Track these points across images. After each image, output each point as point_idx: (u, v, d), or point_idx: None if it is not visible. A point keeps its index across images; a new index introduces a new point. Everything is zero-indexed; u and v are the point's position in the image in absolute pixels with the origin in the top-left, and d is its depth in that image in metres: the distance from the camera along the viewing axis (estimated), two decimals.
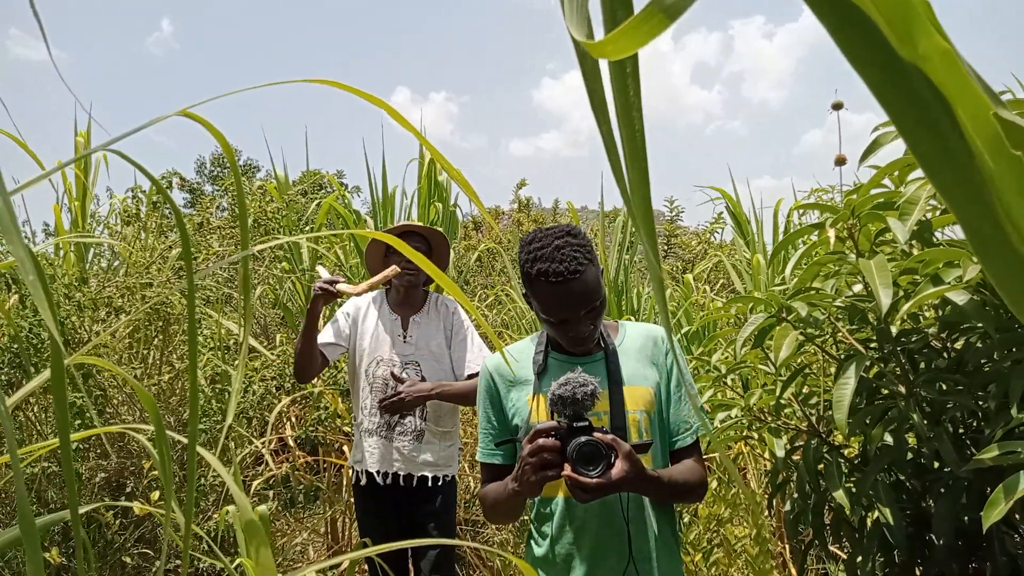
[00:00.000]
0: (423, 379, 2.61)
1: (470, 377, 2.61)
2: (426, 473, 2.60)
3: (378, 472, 2.60)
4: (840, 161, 2.34)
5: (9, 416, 0.36)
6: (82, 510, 0.68)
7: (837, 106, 2.39)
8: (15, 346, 2.88)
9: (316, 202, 5.40)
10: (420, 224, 2.74)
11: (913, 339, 1.61)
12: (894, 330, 1.60)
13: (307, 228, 4.86)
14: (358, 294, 2.51)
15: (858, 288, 1.72)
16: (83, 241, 3.98)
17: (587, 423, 1.33)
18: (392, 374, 2.57)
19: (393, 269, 2.46)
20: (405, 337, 2.66)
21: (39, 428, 3.18)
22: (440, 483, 2.62)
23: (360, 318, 2.72)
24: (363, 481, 2.65)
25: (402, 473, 2.59)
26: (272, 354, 3.81)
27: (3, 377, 2.87)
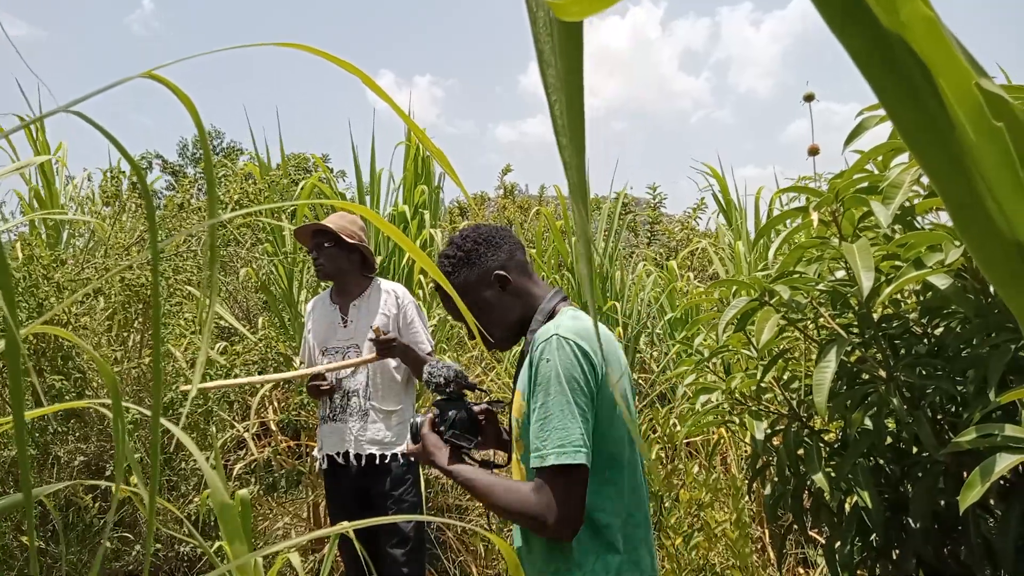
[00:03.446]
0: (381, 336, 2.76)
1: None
2: (373, 451, 2.73)
3: (338, 454, 2.76)
4: (813, 151, 2.34)
5: None
6: (55, 488, 0.67)
7: (808, 98, 2.39)
8: None
9: (300, 184, 5.35)
10: (329, 225, 2.86)
11: (894, 324, 1.62)
12: (875, 315, 1.61)
13: (290, 210, 4.81)
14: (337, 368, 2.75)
15: (841, 274, 1.73)
16: (56, 218, 3.92)
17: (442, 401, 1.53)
18: (376, 328, 2.67)
19: (372, 357, 2.63)
20: (345, 322, 2.83)
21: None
22: (388, 460, 2.74)
23: (307, 322, 2.96)
24: (324, 465, 2.80)
25: (352, 452, 2.74)
26: (254, 338, 3.79)
27: None
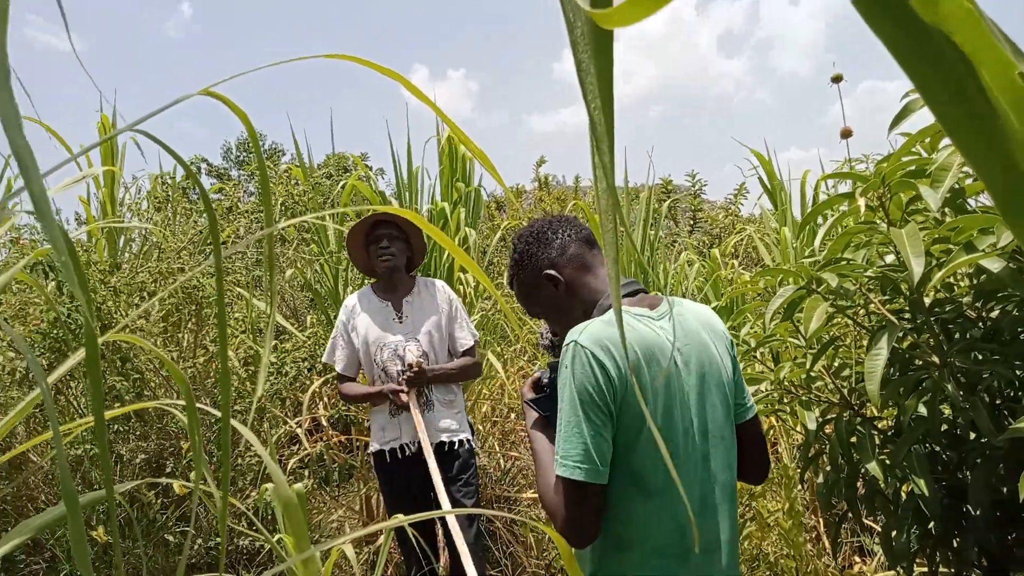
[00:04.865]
0: (424, 354, 2.81)
1: (464, 353, 2.90)
2: (443, 439, 2.79)
3: (412, 442, 2.77)
4: (846, 134, 2.28)
5: (51, 397, 0.37)
6: (123, 488, 0.71)
7: (836, 79, 2.33)
8: (55, 331, 2.96)
9: (341, 184, 5.43)
10: (393, 212, 2.88)
11: (947, 309, 1.59)
12: (927, 300, 1.57)
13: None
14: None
15: (890, 258, 1.70)
16: (114, 227, 4.05)
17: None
18: (417, 362, 2.74)
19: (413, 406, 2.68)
20: (400, 318, 2.85)
21: (80, 409, 3.27)
22: (456, 447, 2.81)
23: (352, 319, 2.91)
24: (400, 455, 2.80)
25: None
26: (303, 335, 3.87)
27: (43, 361, 2.95)
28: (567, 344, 1.28)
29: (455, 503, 2.76)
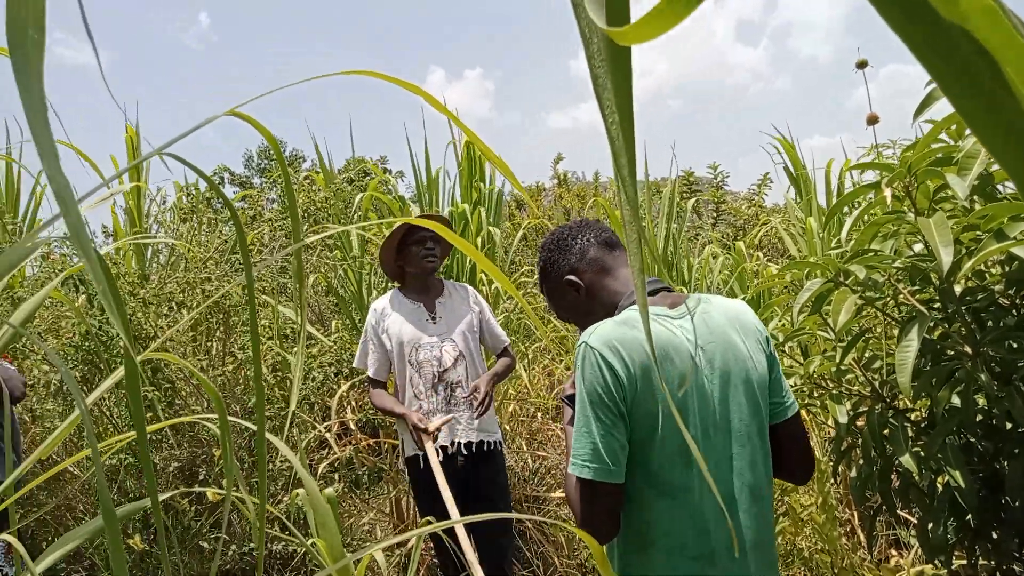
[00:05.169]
0: (460, 354, 2.84)
1: (503, 353, 2.99)
2: (482, 438, 2.82)
3: (452, 443, 2.79)
4: (872, 120, 2.24)
5: (88, 413, 0.38)
6: (160, 499, 0.72)
7: (861, 64, 2.30)
8: (87, 344, 3.02)
9: (362, 190, 5.47)
10: (422, 223, 2.89)
11: (978, 297, 1.56)
12: (958, 289, 1.55)
13: (355, 216, 4.93)
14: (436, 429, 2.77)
15: (919, 248, 1.67)
16: (144, 242, 4.12)
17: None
18: (474, 394, 2.79)
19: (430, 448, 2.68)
20: (434, 319, 2.88)
21: (113, 420, 3.33)
22: (492, 447, 2.84)
23: (383, 321, 2.92)
24: (441, 457, 2.78)
25: (463, 441, 2.79)
26: (329, 340, 3.90)
27: (76, 373, 3.01)
28: (578, 345, 1.29)
29: (493, 505, 2.78)
